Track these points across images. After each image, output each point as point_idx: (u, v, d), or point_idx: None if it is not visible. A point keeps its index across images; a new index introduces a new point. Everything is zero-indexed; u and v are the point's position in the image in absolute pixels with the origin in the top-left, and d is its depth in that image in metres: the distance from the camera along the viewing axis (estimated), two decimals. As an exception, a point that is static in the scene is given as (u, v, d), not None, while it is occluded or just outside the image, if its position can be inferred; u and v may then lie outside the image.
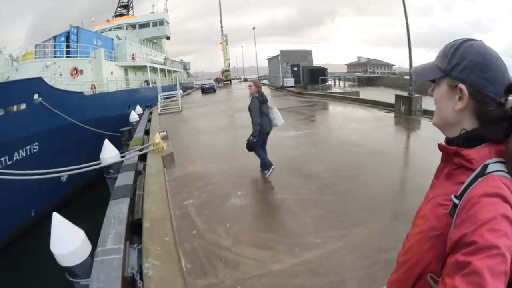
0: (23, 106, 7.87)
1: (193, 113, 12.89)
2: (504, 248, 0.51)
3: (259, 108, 4.04)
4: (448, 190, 0.66)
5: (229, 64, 42.92)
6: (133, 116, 10.29)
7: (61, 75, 12.38)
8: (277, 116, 4.26)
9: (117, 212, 2.64)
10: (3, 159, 7.10)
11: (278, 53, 26.12)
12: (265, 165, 4.22)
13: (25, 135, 7.76)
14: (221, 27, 40.34)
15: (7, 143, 7.19)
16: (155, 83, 19.50)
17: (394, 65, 71.26)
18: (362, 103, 12.67)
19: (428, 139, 5.86)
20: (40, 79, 8.56)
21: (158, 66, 23.68)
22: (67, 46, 13.45)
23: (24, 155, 7.77)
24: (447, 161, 0.72)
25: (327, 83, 22.19)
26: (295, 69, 24.19)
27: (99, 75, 14.41)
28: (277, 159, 4.65)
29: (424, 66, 0.75)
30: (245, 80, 39.29)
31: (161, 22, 27.03)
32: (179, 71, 33.57)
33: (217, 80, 34.13)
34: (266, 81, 33.29)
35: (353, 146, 5.79)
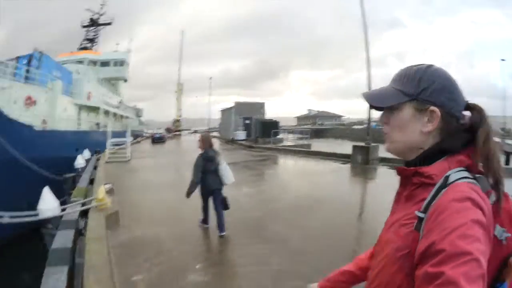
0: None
1: (142, 164, 12.58)
2: (478, 253, 0.49)
3: (202, 165, 4.07)
4: (411, 210, 0.66)
5: (181, 114, 41.44)
6: (79, 161, 9.95)
7: (15, 102, 11.28)
8: (225, 173, 4.18)
9: (53, 285, 2.48)
10: None
11: (232, 105, 26.17)
12: (220, 223, 4.19)
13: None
14: (179, 75, 40.41)
15: None
16: (106, 127, 18.56)
17: (343, 116, 74.85)
18: (316, 155, 12.94)
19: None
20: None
21: (112, 110, 23.11)
22: (27, 71, 12.53)
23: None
24: (406, 184, 0.72)
25: (278, 136, 22.34)
26: (247, 121, 23.98)
27: (52, 109, 13.59)
28: (234, 220, 4.59)
29: (381, 91, 0.75)
30: (195, 132, 38.29)
31: (122, 63, 26.18)
32: (131, 118, 32.15)
33: (168, 130, 32.25)
34: (216, 133, 32.83)
35: (313, 202, 5.87)
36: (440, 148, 0.69)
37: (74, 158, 10.09)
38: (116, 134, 18.78)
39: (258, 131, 22.23)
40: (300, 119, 77.88)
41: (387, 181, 7.10)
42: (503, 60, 27.06)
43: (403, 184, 0.74)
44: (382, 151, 9.68)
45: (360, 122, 57.43)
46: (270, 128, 21.59)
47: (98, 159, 12.10)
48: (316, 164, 11.23)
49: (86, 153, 11.67)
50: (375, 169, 9.24)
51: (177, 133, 35.59)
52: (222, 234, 4.16)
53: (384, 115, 0.76)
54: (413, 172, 0.69)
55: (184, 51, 42.41)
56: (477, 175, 0.64)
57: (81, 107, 17.95)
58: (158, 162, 13.59)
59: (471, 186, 0.60)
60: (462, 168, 0.64)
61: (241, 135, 22.87)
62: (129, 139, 15.74)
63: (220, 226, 4.19)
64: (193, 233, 4.39)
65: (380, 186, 7.26)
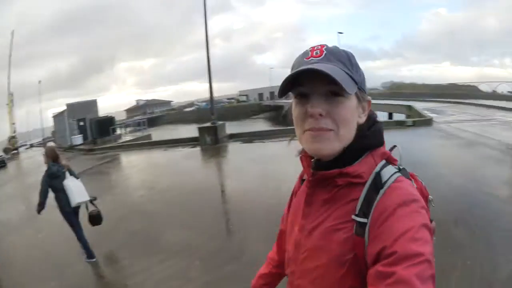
0: None
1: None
2: (428, 254, 0.49)
3: (46, 183, 3.52)
4: (340, 212, 0.61)
5: (15, 129, 34.19)
6: None
7: None
8: (69, 192, 3.55)
9: None
10: None
11: (64, 108, 22.26)
12: (86, 249, 3.68)
13: None
14: (8, 83, 31.90)
15: None
16: None
17: (172, 101, 72.49)
18: (162, 144, 12.04)
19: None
20: None
21: None
22: None
23: None
24: (323, 186, 0.65)
25: (116, 133, 20.67)
26: (82, 123, 21.12)
27: None
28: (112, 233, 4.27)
29: (339, 73, 0.56)
30: (31, 146, 31.40)
31: None
32: None
33: (6, 150, 25.33)
34: (52, 143, 27.68)
35: (185, 196, 5.73)
36: (368, 144, 0.63)
37: None
38: None
39: (94, 132, 19.90)
40: (130, 111, 70.93)
41: (242, 156, 7.78)
42: (340, 33, 30.64)
43: (319, 186, 0.66)
44: (230, 128, 10.08)
45: (190, 104, 57.99)
46: (107, 125, 19.73)
47: None
48: (166, 153, 10.59)
49: None
50: (226, 147, 9.61)
51: (15, 151, 27.33)
52: (89, 260, 3.66)
53: (325, 103, 0.58)
54: (337, 173, 0.61)
55: (14, 55, 33.20)
56: (399, 167, 0.63)
57: None
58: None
59: (409, 183, 0.59)
60: (384, 162, 0.62)
61: (77, 139, 19.71)
62: None
63: (86, 251, 3.66)
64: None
65: (237, 162, 7.78)
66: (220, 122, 10.25)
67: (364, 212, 0.57)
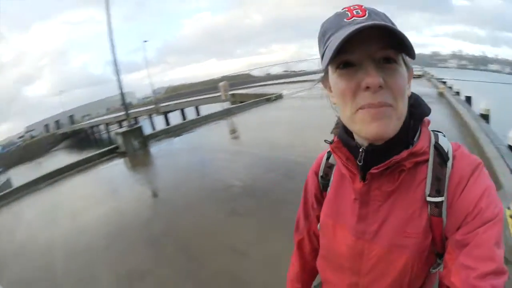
0: None
1: None
2: (502, 212, 0.48)
3: None
4: (410, 201, 0.54)
5: None
6: None
7: None
8: None
9: None
10: None
11: None
12: None
13: None
14: None
15: None
16: None
17: None
18: (54, 177, 8.53)
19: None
20: None
21: None
22: None
23: None
24: (383, 176, 0.55)
25: None
26: None
27: None
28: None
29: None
30: None
31: None
32: None
33: None
34: None
35: None
36: (422, 113, 0.56)
37: None
38: None
39: None
40: None
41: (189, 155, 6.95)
42: (145, 41, 32.63)
43: (376, 178, 0.55)
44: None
45: (12, 143, 43.54)
46: None
47: None
48: (80, 184, 7.31)
49: None
50: (159, 150, 8.68)
51: None
52: None
53: (381, 72, 0.47)
54: (407, 156, 0.52)
55: None
56: (442, 132, 0.59)
57: None
58: None
59: (463, 147, 0.55)
60: (432, 131, 0.57)
61: None
62: None
63: None
64: None
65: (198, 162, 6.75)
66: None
67: (438, 190, 0.51)
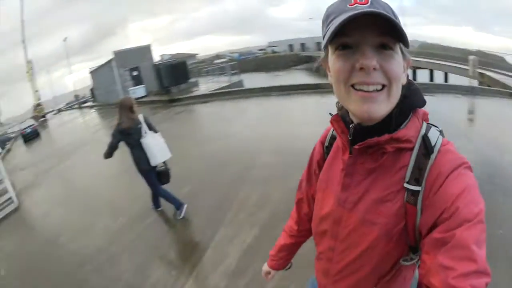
0: None
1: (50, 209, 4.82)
2: (483, 214, 0.48)
3: (116, 137, 3.02)
4: (388, 182, 0.57)
5: (40, 96, 33.79)
6: None
7: None
8: (150, 153, 3.07)
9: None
10: None
11: (110, 57, 18.92)
12: (172, 202, 3.37)
13: None
14: (25, 50, 30.72)
15: None
16: None
17: (198, 54, 69.71)
18: (263, 92, 10.24)
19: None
20: None
21: None
22: None
23: None
24: (367, 154, 0.59)
25: (191, 80, 17.41)
26: (136, 73, 18.05)
27: None
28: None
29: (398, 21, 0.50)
30: (59, 110, 30.82)
31: None
32: None
33: (35, 118, 23.23)
34: (90, 103, 25.43)
35: None
36: (413, 104, 0.59)
37: None
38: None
39: (166, 79, 16.55)
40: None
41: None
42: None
43: (362, 154, 0.60)
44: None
45: (215, 57, 46.42)
46: (182, 71, 16.24)
47: None
48: (286, 102, 8.37)
49: None
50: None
51: (43, 118, 26.64)
52: (180, 217, 3.35)
53: (377, 56, 0.51)
54: (388, 139, 0.55)
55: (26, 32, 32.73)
56: (438, 128, 0.60)
57: None
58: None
59: (453, 145, 0.57)
60: (426, 124, 0.59)
61: (138, 91, 16.77)
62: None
63: (176, 206, 3.37)
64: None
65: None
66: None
67: (416, 179, 0.54)
